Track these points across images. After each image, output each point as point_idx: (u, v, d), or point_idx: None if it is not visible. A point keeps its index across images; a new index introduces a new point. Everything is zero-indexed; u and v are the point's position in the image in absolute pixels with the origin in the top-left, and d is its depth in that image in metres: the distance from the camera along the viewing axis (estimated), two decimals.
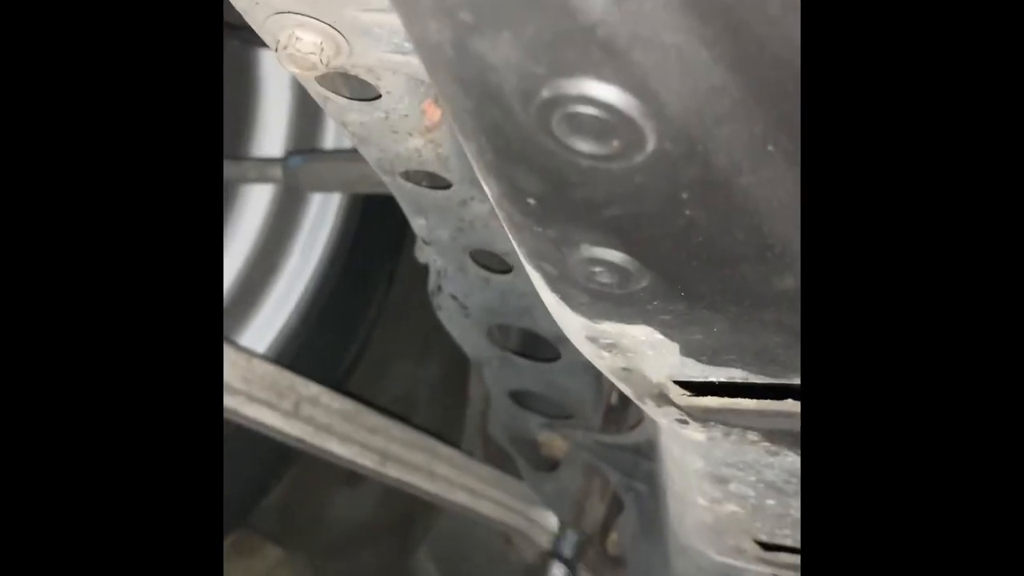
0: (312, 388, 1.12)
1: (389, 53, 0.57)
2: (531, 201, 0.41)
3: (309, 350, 1.35)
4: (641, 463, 1.11)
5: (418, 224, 0.83)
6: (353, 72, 0.59)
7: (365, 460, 1.16)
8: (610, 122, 0.33)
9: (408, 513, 1.62)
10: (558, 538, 1.23)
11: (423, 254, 0.91)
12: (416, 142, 0.69)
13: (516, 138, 0.37)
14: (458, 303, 0.96)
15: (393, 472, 1.18)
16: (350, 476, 1.45)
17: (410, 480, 1.19)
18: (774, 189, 0.36)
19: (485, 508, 1.24)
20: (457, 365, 1.36)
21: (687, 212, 0.38)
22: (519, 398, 1.14)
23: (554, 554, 1.21)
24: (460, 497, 1.23)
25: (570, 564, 1.21)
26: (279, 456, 1.36)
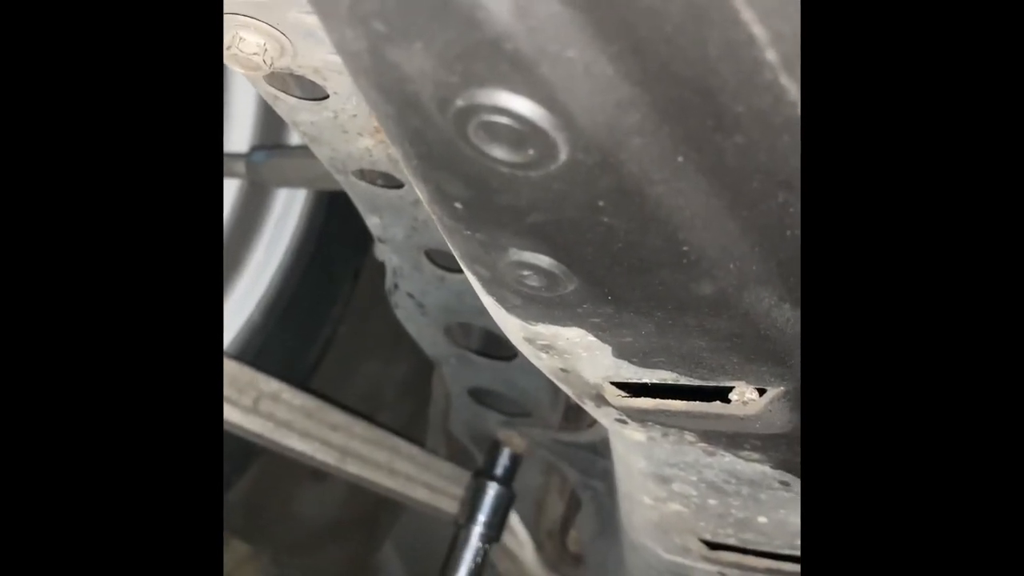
0: (273, 384, 1.13)
1: (334, 54, 0.57)
2: (458, 205, 0.42)
3: (273, 347, 1.35)
4: (598, 461, 1.12)
5: (373, 222, 0.84)
6: (299, 72, 0.59)
7: (325, 457, 1.16)
8: (523, 132, 0.34)
9: (374, 509, 1.62)
10: (491, 458, 1.18)
11: (381, 252, 0.91)
12: (366, 142, 0.69)
13: (437, 144, 0.37)
14: (415, 301, 0.96)
15: (353, 468, 1.18)
16: (316, 472, 1.45)
17: (370, 476, 1.20)
18: (686, 198, 0.37)
19: (445, 504, 1.25)
20: (425, 364, 1.37)
21: (605, 219, 0.39)
22: (478, 396, 1.14)
23: (486, 474, 1.17)
24: (420, 494, 1.24)
25: (504, 481, 1.17)
26: (242, 451, 1.36)
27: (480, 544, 1.15)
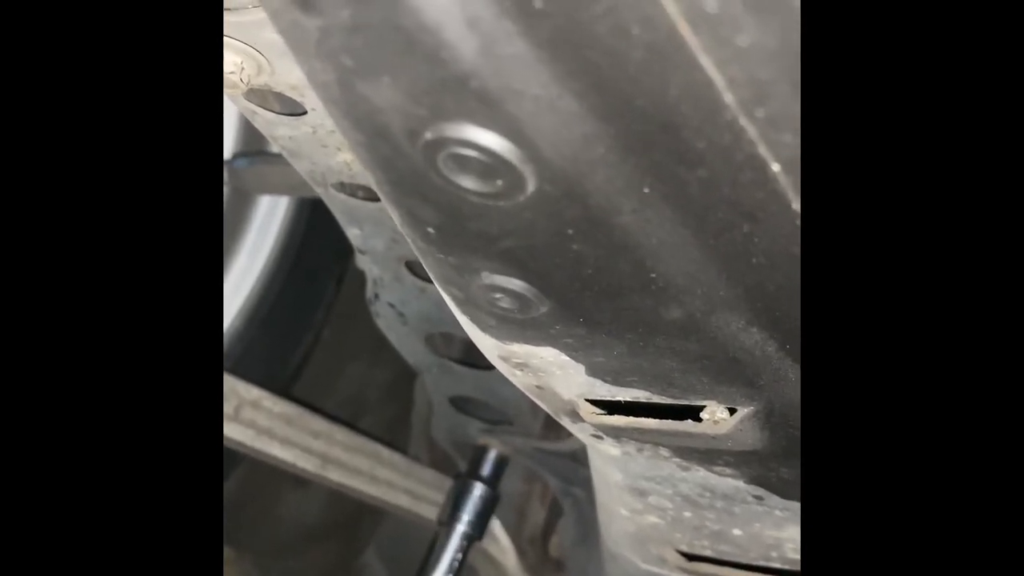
0: (253, 392, 1.13)
1: None
2: (430, 230, 0.42)
3: (256, 352, 1.35)
4: (579, 469, 1.13)
5: (353, 234, 0.84)
6: (277, 90, 0.60)
7: (306, 464, 1.16)
8: (491, 164, 0.35)
9: (356, 514, 1.62)
10: (477, 458, 1.19)
11: (361, 262, 0.92)
12: (345, 156, 0.70)
13: (408, 173, 0.38)
14: (395, 311, 0.97)
15: (334, 475, 1.18)
16: (299, 477, 1.45)
17: (351, 483, 1.20)
18: (653, 228, 0.38)
19: (426, 511, 1.25)
20: (409, 368, 1.37)
21: (574, 246, 0.39)
22: (460, 404, 1.15)
23: (473, 474, 1.18)
24: (402, 500, 1.24)
25: (490, 483, 1.18)
26: (224, 455, 1.36)
27: (461, 542, 1.15)
